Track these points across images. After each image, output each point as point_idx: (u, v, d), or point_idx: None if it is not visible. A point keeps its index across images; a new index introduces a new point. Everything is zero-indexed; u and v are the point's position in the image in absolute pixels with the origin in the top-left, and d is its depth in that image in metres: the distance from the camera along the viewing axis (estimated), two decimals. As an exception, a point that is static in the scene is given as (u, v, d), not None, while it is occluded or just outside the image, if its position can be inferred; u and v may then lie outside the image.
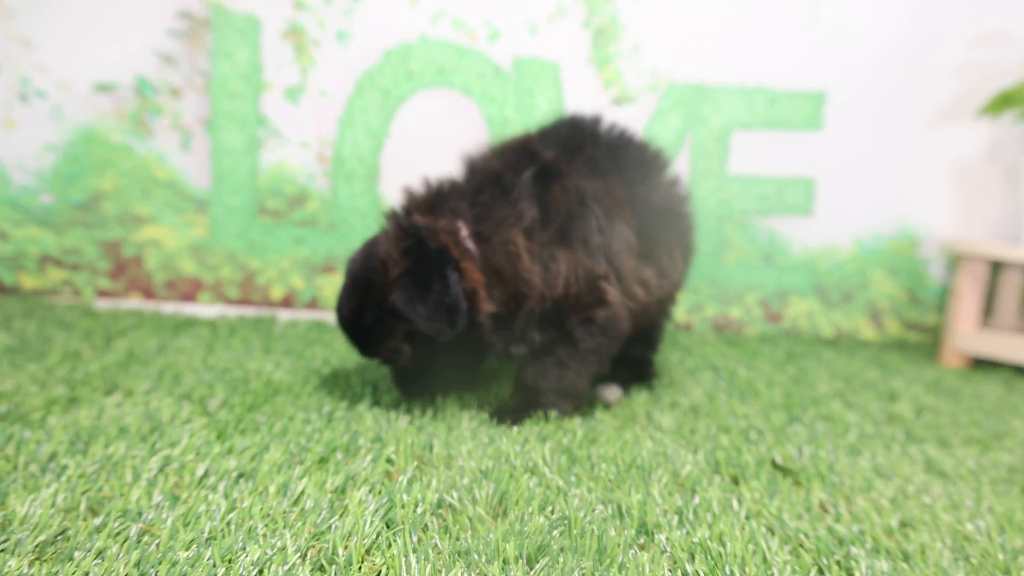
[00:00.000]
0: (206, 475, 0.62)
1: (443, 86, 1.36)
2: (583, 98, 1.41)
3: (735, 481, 0.71)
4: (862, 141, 1.45)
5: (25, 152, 1.26)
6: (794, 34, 1.43)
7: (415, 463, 0.68)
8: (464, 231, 0.80)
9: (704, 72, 1.43)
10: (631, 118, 1.42)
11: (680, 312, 1.47)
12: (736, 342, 1.39)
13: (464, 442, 0.74)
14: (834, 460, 0.74)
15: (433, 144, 1.36)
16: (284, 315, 1.34)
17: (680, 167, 1.44)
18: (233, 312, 1.33)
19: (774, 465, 0.74)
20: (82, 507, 0.55)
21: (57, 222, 1.29)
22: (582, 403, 0.89)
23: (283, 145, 1.34)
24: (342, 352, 1.10)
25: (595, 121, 0.92)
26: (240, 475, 0.62)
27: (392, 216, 0.83)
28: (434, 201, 0.83)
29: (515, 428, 0.80)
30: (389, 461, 0.68)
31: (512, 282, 0.80)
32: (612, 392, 0.98)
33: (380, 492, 0.61)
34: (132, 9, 1.27)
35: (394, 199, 1.36)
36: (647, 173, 0.90)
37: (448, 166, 1.38)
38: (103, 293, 1.32)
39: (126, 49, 1.27)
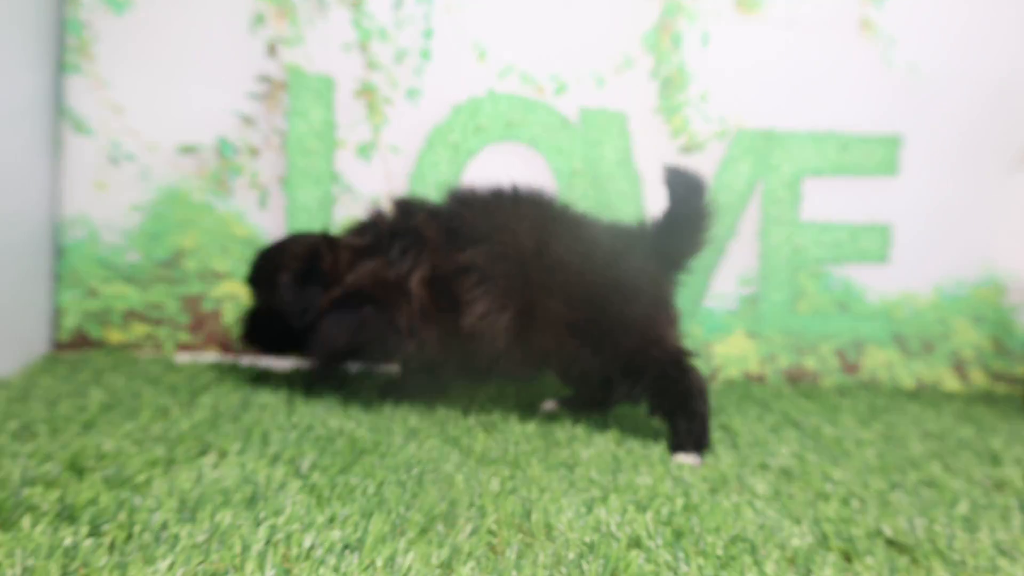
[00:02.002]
0: (313, 547, 0.61)
1: (511, 140, 1.38)
2: (651, 147, 1.41)
3: (847, 557, 0.68)
4: (941, 185, 1.41)
5: (114, 212, 1.31)
6: (867, 78, 1.41)
7: (518, 535, 0.67)
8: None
9: (774, 118, 1.42)
10: (700, 166, 1.41)
11: (752, 363, 1.44)
12: (813, 395, 1.35)
13: (562, 510, 0.72)
14: (951, 535, 0.71)
15: (502, 197, 1.37)
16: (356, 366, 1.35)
17: (751, 215, 1.43)
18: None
19: (885, 539, 0.71)
20: (197, 582, 0.55)
21: (142, 279, 1.32)
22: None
23: (356, 201, 1.36)
24: (419, 407, 1.10)
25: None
26: (345, 547, 0.62)
27: (323, 236, 1.13)
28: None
29: (611, 496, 0.79)
30: (490, 532, 0.67)
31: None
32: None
33: (487, 567, 0.60)
34: (215, 74, 1.32)
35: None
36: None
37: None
38: (183, 347, 1.35)
39: (209, 112, 1.32)
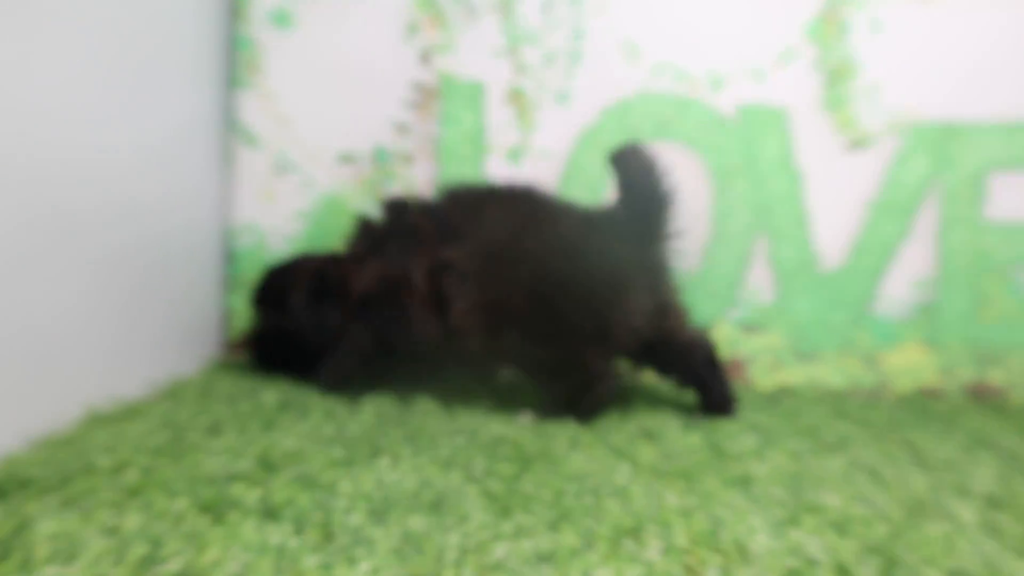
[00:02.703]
0: (506, 558, 0.60)
1: (664, 139, 1.34)
2: (814, 144, 1.33)
3: (1094, 601, 0.60)
4: None
5: (280, 220, 1.37)
6: (1065, 62, 1.27)
7: (713, 555, 0.63)
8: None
9: (954, 109, 1.30)
10: (868, 163, 1.32)
11: (929, 375, 1.33)
12: (1004, 412, 1.22)
13: (753, 531, 0.68)
14: None
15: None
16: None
17: (927, 215, 1.32)
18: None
19: None
20: (399, 586, 0.55)
21: (304, 283, 1.38)
22: None
23: (506, 205, 1.36)
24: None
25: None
26: (538, 559, 0.60)
27: (330, 256, 1.19)
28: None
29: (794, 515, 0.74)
30: (683, 551, 0.64)
31: None
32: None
33: (685, 590, 0.57)
34: (372, 84, 1.35)
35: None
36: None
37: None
38: (340, 349, 1.39)
39: (366, 121, 1.36)
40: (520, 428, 0.99)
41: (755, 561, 0.62)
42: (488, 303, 1.06)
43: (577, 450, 0.92)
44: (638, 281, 1.08)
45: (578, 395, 1.07)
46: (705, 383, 1.14)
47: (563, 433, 0.99)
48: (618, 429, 1.02)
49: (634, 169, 1.08)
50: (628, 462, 0.89)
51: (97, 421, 0.91)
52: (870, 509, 0.77)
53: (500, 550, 0.60)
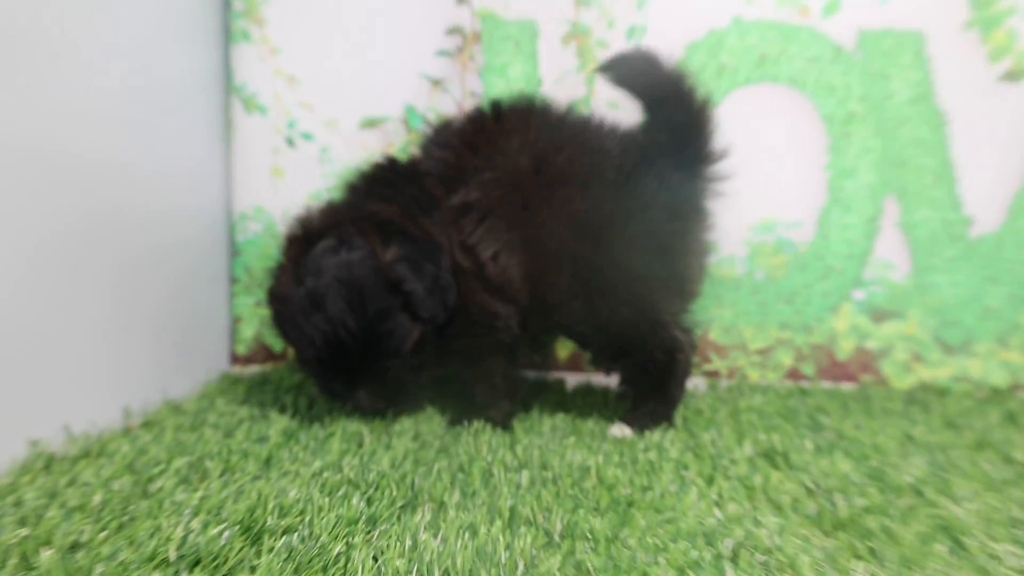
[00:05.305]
0: None
1: (765, 80, 1.07)
2: (959, 76, 1.04)
3: None
4: None
5: (292, 201, 1.13)
6: None
7: None
8: None
9: None
10: (1030, 98, 1.03)
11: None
12: None
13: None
14: None
15: (752, 153, 1.07)
16: (573, 379, 1.10)
17: (1109, 160, 1.02)
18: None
19: None
20: None
21: (325, 275, 1.15)
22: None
23: (566, 171, 1.10)
24: (679, 433, 0.82)
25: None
26: None
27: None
28: None
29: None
30: None
31: None
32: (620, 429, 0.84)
33: None
34: (399, 31, 1.11)
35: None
36: None
37: (774, 176, 1.08)
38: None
39: (393, 77, 1.12)
40: (604, 456, 0.74)
41: None
42: (523, 242, 0.82)
43: (689, 486, 0.66)
44: (696, 218, 0.85)
45: (665, 380, 0.85)
46: (670, 392, 0.87)
47: (661, 457, 0.73)
48: (731, 449, 0.76)
49: (652, 78, 0.83)
50: (767, 503, 0.63)
51: (44, 464, 0.67)
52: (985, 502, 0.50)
53: None
